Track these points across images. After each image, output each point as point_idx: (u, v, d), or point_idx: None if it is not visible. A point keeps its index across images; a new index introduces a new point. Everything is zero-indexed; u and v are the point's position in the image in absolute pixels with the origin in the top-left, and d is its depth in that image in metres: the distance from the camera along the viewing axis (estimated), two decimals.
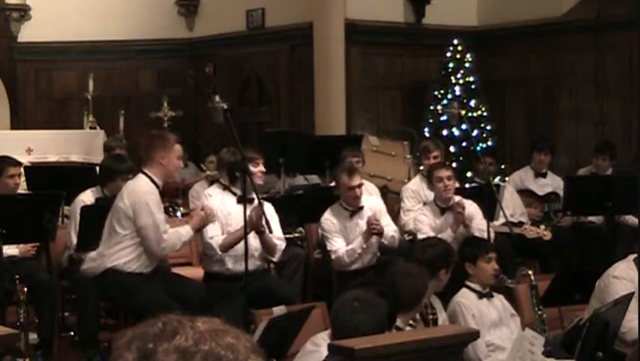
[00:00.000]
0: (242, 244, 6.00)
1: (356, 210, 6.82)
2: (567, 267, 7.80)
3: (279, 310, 4.39)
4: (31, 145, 10.04)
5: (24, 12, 12.21)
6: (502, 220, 7.25)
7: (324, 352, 3.85)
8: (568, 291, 5.63)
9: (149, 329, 1.33)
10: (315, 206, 7.14)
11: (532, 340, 4.42)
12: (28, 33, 12.27)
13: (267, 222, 5.98)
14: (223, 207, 6.28)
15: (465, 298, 5.25)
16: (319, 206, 7.11)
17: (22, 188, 7.64)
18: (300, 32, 10.81)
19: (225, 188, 6.45)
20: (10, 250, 6.36)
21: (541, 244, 7.63)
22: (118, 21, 12.13)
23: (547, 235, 7.57)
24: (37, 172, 8.27)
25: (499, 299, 5.37)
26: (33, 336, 6.21)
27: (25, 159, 8.91)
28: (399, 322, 4.38)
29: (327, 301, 5.38)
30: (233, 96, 11.46)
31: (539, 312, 5.31)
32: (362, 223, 6.73)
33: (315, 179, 8.82)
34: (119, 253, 5.74)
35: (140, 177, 5.84)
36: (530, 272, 5.47)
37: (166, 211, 8.40)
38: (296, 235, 7.63)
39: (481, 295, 5.28)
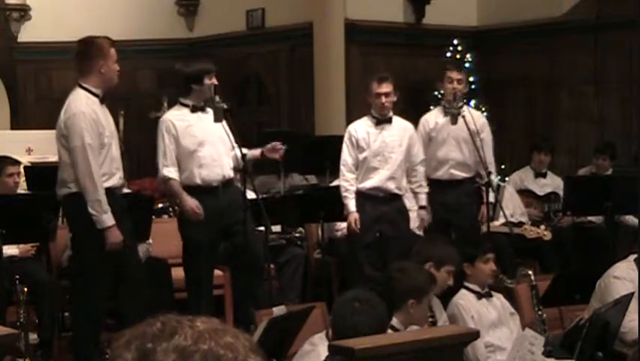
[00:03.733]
0: (213, 156, 6.10)
1: (383, 119, 6.81)
2: (567, 267, 7.80)
3: (279, 310, 4.39)
4: (31, 145, 10.03)
5: (24, 12, 12.20)
6: (502, 220, 7.25)
7: (322, 351, 3.85)
8: (568, 291, 5.63)
9: (148, 328, 1.33)
10: (315, 206, 7.14)
11: (532, 340, 4.42)
12: (28, 33, 12.25)
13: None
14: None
15: (464, 299, 5.24)
16: (319, 206, 7.11)
17: (22, 188, 7.64)
18: (300, 32, 10.80)
19: None
20: (10, 250, 6.36)
21: (541, 244, 7.63)
22: (118, 21, 12.10)
23: (547, 235, 7.57)
24: (37, 172, 8.25)
25: (498, 298, 5.37)
26: (33, 336, 6.21)
27: (25, 159, 8.90)
28: (397, 323, 4.37)
29: (327, 301, 5.38)
30: (233, 96, 11.46)
31: (539, 312, 5.30)
32: (385, 135, 6.79)
33: (314, 179, 8.82)
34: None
35: (78, 91, 5.60)
36: (530, 272, 5.46)
37: (165, 212, 8.41)
38: (296, 235, 7.63)
39: (480, 296, 5.27)
